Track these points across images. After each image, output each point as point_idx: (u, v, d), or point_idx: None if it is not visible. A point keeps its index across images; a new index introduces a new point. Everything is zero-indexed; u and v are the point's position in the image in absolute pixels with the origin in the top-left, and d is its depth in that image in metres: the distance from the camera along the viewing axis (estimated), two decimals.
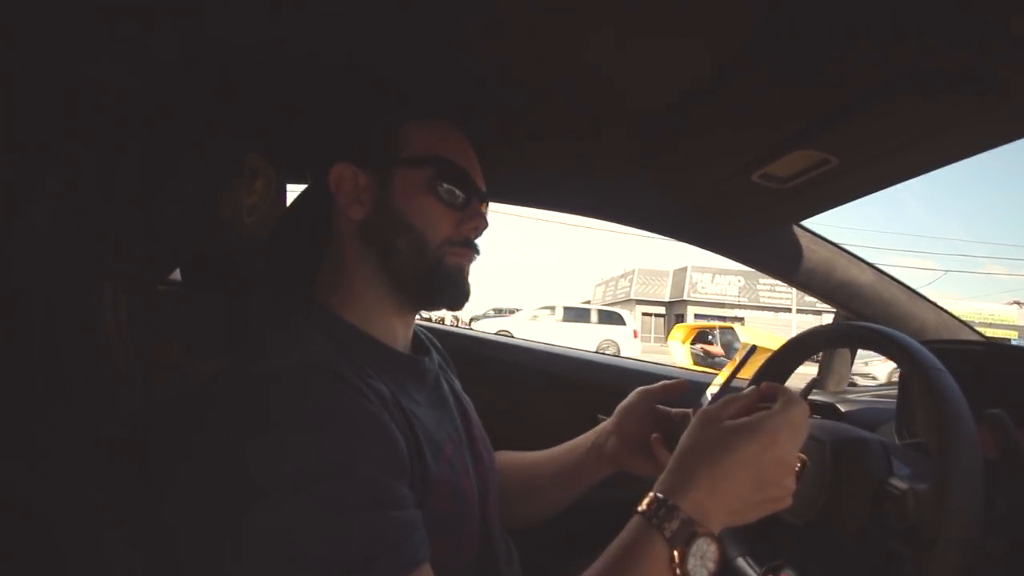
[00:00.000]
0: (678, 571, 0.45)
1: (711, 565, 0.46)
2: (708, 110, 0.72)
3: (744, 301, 23.89)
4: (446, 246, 0.61)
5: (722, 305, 23.82)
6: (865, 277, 1.09)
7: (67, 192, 0.52)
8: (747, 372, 0.82)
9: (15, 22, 0.51)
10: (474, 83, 0.68)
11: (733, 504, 0.49)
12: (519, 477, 0.79)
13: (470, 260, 0.64)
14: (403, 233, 0.60)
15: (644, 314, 26.64)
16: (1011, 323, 19.93)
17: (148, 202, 0.55)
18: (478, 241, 0.65)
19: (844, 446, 0.62)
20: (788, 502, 0.51)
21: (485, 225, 0.64)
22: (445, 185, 0.61)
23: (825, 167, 0.78)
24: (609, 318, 11.85)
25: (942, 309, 1.12)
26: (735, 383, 0.79)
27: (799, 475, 0.52)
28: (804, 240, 1.07)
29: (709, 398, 0.76)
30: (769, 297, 23.77)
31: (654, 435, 0.70)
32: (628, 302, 27.52)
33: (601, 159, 0.92)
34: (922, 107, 0.62)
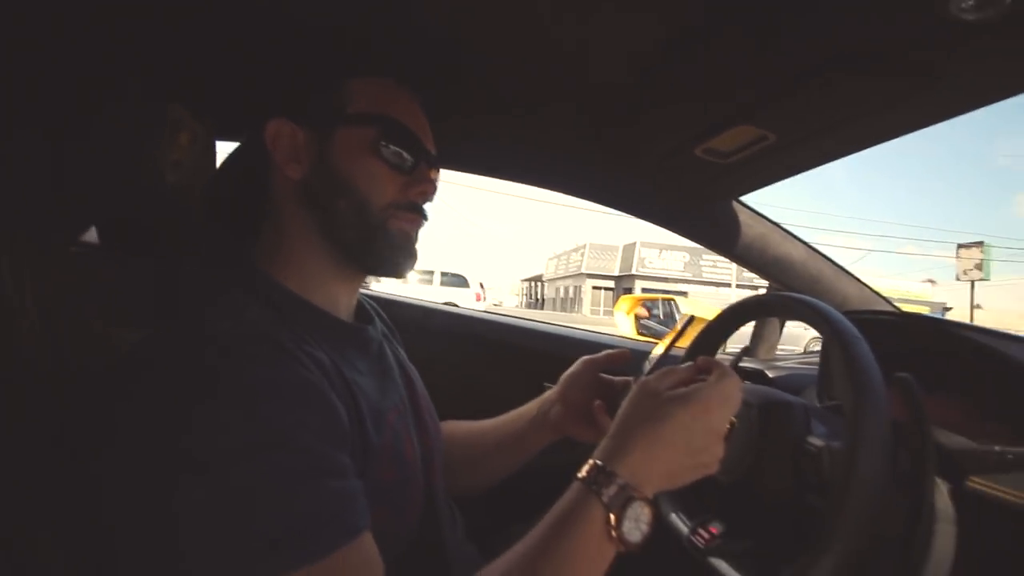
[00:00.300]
0: (614, 533, 0.47)
1: (644, 527, 0.49)
2: (656, 84, 0.72)
3: (688, 276, 24.77)
4: (391, 209, 0.59)
5: (667, 279, 24.66)
6: (797, 253, 1.15)
7: None
8: (685, 341, 0.85)
9: None
10: (423, 43, 0.65)
11: (667, 469, 0.51)
12: (464, 446, 0.79)
13: (417, 226, 0.62)
14: (343, 195, 0.57)
15: (595, 288, 27.20)
16: (925, 299, 21.64)
17: (56, 158, 0.50)
18: (428, 208, 0.63)
19: (769, 409, 0.66)
20: (716, 468, 0.54)
21: (434, 190, 0.63)
22: (391, 146, 0.59)
23: (763, 143, 0.81)
24: (453, 281, 12.70)
25: (864, 284, 1.20)
26: (674, 351, 0.82)
27: (728, 437, 0.54)
28: (743, 216, 1.11)
29: (649, 366, 0.78)
30: (712, 272, 24.76)
31: (597, 402, 0.71)
32: (579, 276, 27.98)
33: (548, 130, 0.92)
34: (856, 87, 0.65)
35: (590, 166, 1.04)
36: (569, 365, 0.78)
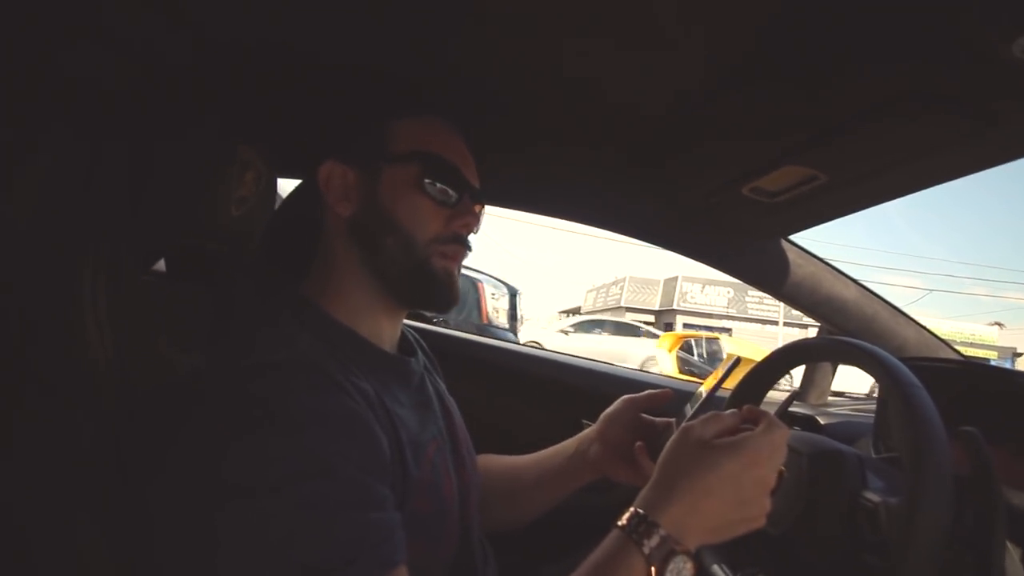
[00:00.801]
0: None
1: None
2: (702, 122, 0.73)
3: (732, 312, 24.00)
4: (434, 245, 0.60)
5: (710, 315, 23.95)
6: (849, 293, 1.11)
7: (48, 181, 0.51)
8: (731, 383, 0.83)
9: (1, 9, 0.51)
10: (467, 84, 0.68)
11: (712, 522, 0.49)
12: (502, 480, 0.79)
13: (462, 257, 0.63)
14: (390, 232, 0.60)
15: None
16: (991, 343, 20.22)
17: (134, 192, 0.55)
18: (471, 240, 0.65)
19: (821, 458, 0.63)
20: (763, 522, 0.51)
21: (476, 222, 0.64)
22: (434, 182, 0.61)
23: (814, 183, 0.80)
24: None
25: (923, 327, 1.14)
26: (719, 393, 0.79)
27: (776, 486, 0.52)
28: (791, 254, 1.09)
29: (692, 408, 0.76)
30: (757, 309, 23.93)
31: (638, 444, 0.70)
32: (618, 309, 27.58)
33: (593, 167, 0.93)
34: (911, 129, 0.63)
35: (634, 203, 1.05)
36: (608, 403, 0.77)
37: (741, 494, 0.49)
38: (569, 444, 0.78)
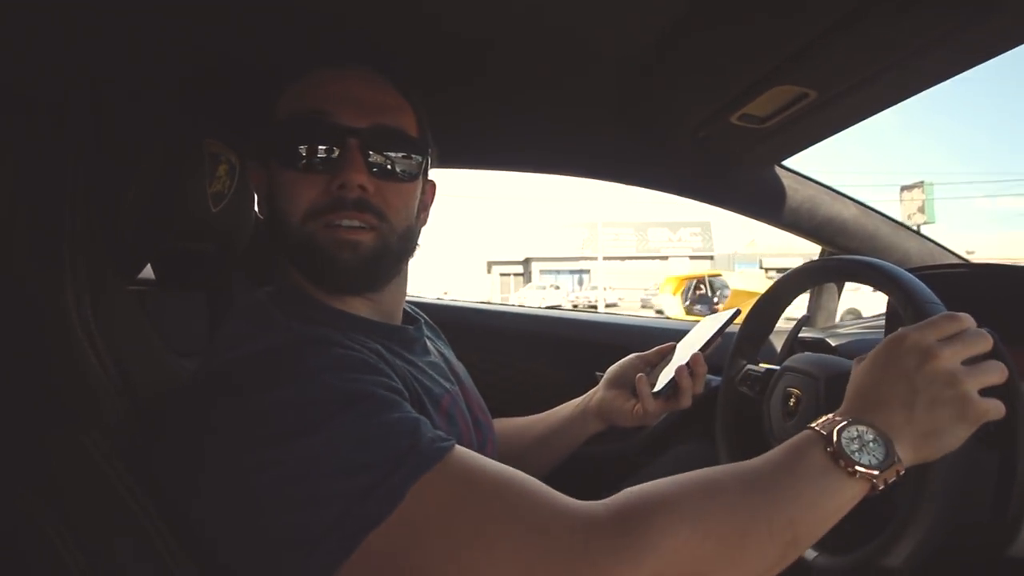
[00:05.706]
0: (842, 462, 0.43)
1: (874, 448, 0.43)
2: (683, 52, 0.70)
3: (588, 252, 25.57)
4: (311, 222, 0.53)
5: (565, 259, 26.36)
6: (848, 212, 1.09)
7: (12, 194, 0.49)
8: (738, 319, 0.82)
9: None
10: (430, 32, 0.64)
11: (930, 425, 0.45)
12: (508, 440, 0.80)
13: (356, 223, 0.53)
14: (274, 223, 0.56)
15: (502, 274, 28.47)
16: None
17: (103, 199, 0.52)
18: None
19: (837, 380, 0.63)
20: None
21: (354, 178, 0.52)
22: (297, 147, 0.52)
23: (804, 101, 0.77)
24: None
25: (925, 237, 1.13)
26: (731, 329, 0.79)
27: (794, 409, 0.52)
28: (787, 180, 1.06)
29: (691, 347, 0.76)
30: (613, 246, 25.89)
31: (639, 376, 0.72)
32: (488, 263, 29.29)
33: (572, 113, 0.90)
34: (897, 28, 0.60)
35: (621, 148, 1.02)
36: (622, 354, 0.79)
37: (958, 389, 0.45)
38: (574, 400, 0.81)
